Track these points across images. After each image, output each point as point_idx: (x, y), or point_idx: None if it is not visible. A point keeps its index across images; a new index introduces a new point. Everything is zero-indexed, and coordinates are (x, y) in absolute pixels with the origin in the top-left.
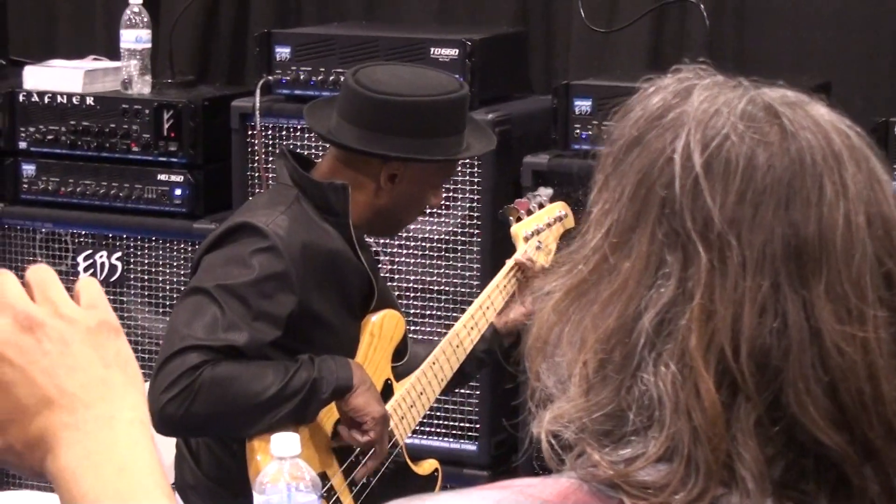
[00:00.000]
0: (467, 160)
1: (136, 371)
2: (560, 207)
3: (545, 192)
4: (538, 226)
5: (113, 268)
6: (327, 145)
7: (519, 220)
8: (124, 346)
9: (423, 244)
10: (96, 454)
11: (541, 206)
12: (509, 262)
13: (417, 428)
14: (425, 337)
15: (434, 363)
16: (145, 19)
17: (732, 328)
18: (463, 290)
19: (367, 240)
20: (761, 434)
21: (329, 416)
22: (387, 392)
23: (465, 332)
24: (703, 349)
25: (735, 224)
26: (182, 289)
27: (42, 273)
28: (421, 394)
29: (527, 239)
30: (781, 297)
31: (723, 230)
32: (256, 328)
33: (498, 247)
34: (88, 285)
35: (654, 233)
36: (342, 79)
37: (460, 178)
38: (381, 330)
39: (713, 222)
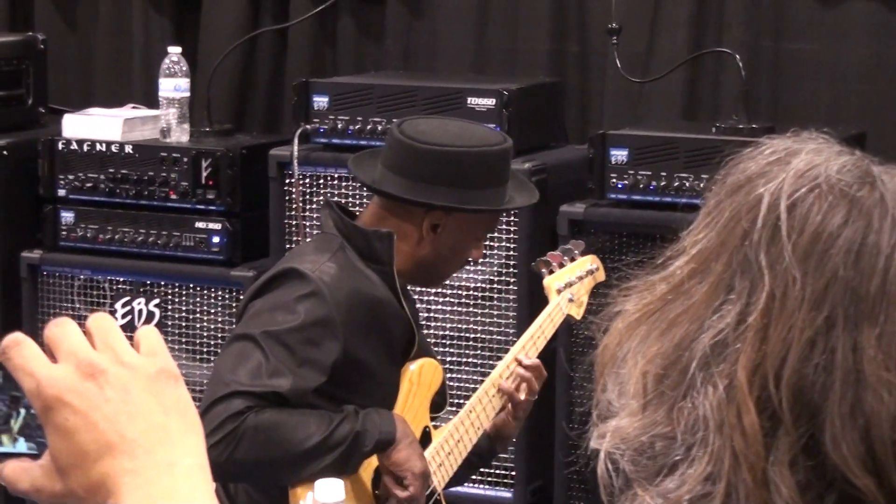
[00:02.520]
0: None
1: (195, 417)
2: (591, 261)
3: (577, 245)
4: (570, 278)
5: (150, 315)
6: (367, 195)
7: (551, 272)
8: (184, 393)
9: (460, 292)
10: (157, 499)
11: (572, 259)
12: (546, 310)
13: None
14: (462, 385)
15: (471, 412)
16: (184, 68)
17: (780, 356)
18: (499, 338)
19: (409, 289)
20: (796, 467)
21: (370, 462)
22: (425, 440)
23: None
24: (749, 372)
25: (803, 262)
26: (219, 335)
27: (103, 321)
28: (458, 441)
29: (559, 291)
30: (833, 336)
31: (790, 265)
32: (301, 375)
33: (534, 296)
34: (148, 333)
35: (731, 261)
36: (388, 129)
37: (497, 227)
38: (420, 378)
39: (783, 256)
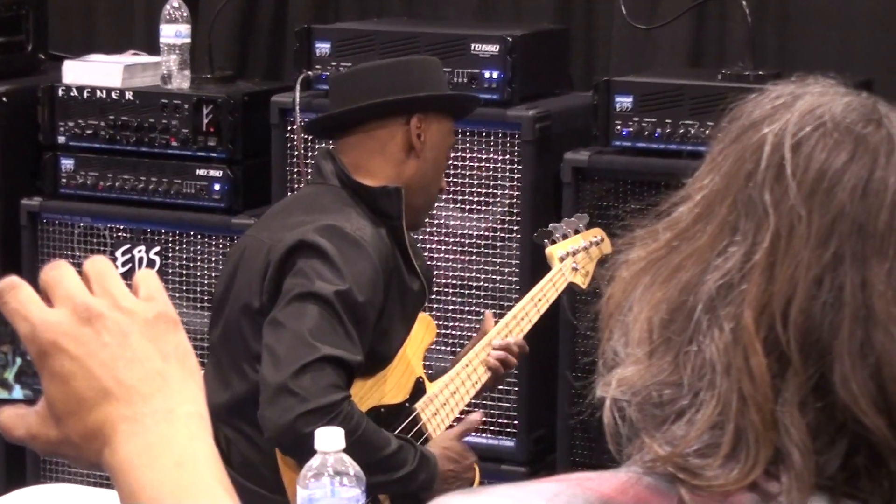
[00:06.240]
0: (507, 157)
1: (195, 364)
2: (596, 233)
3: (581, 218)
4: (574, 248)
5: (151, 262)
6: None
7: (553, 242)
8: (182, 339)
9: (463, 240)
10: (154, 447)
11: (577, 231)
12: (549, 275)
13: (455, 425)
14: (464, 333)
15: (467, 365)
16: (185, 14)
17: (787, 295)
18: (502, 286)
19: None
20: (806, 408)
21: None
22: (419, 390)
23: (499, 340)
24: (756, 313)
25: (809, 199)
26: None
27: (100, 265)
28: (454, 393)
29: (562, 259)
30: (841, 272)
31: (796, 203)
32: (364, 339)
33: (537, 245)
34: (147, 277)
35: (735, 203)
36: (330, 80)
37: (500, 175)
38: (412, 331)
39: (788, 195)
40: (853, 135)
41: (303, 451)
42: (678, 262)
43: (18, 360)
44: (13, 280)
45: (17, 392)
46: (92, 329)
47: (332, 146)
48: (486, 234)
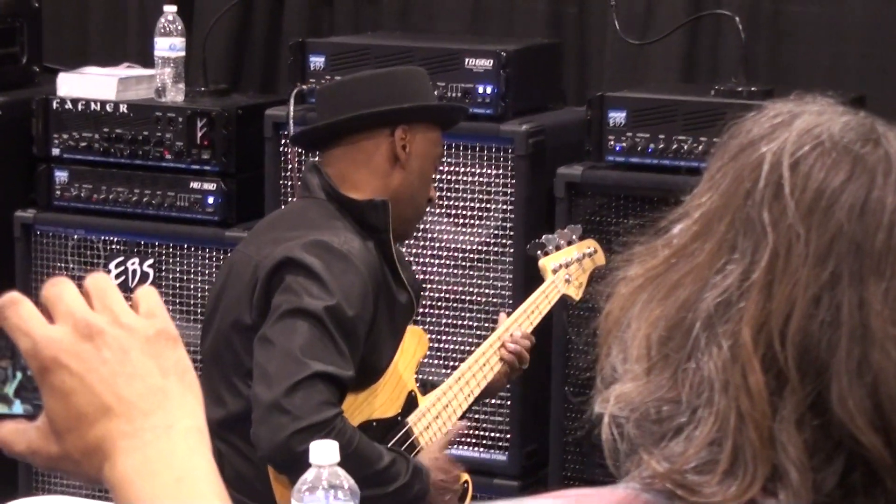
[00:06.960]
0: (500, 171)
1: (194, 379)
2: (589, 244)
3: (574, 229)
4: (567, 259)
5: (145, 275)
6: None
7: (546, 254)
8: (182, 355)
9: (456, 255)
10: (154, 463)
11: (570, 242)
12: (541, 287)
13: None
14: (457, 347)
15: (460, 377)
16: (179, 27)
17: (785, 313)
18: (495, 300)
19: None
20: (803, 426)
21: None
22: (411, 404)
23: (492, 351)
24: (754, 331)
25: (807, 218)
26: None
27: (101, 281)
28: (446, 406)
29: (555, 271)
30: (839, 291)
31: (794, 221)
32: (355, 355)
33: (530, 259)
34: (147, 294)
35: (733, 221)
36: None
37: (493, 189)
38: (404, 344)
39: (787, 214)
40: (851, 154)
41: (296, 469)
42: (676, 279)
43: (18, 375)
44: (14, 296)
45: (17, 407)
46: (92, 345)
47: (318, 159)
48: (480, 248)
